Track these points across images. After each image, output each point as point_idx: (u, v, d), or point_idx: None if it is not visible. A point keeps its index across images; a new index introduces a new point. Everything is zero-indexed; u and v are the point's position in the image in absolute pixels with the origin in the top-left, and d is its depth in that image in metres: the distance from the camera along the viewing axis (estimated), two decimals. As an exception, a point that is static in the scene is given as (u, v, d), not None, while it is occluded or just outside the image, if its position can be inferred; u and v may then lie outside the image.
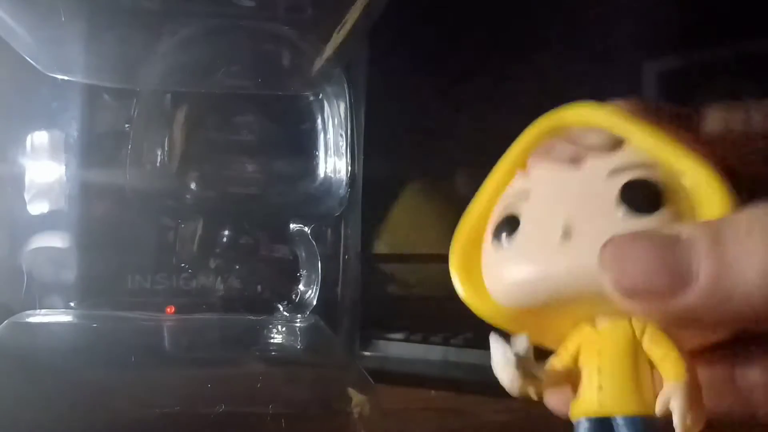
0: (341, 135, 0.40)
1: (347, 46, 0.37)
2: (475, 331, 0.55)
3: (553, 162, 0.20)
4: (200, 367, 0.38)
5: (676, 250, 0.17)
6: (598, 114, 0.21)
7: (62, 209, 0.39)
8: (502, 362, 0.19)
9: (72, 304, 0.38)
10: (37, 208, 0.39)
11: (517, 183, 0.21)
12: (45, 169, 0.39)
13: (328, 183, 0.40)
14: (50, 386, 0.33)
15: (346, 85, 0.40)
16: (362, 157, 0.41)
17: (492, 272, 0.20)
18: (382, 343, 0.55)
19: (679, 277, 0.17)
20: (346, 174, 0.40)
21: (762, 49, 0.47)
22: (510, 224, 0.20)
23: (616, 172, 0.19)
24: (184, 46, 0.36)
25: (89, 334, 0.37)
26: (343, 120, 0.40)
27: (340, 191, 0.40)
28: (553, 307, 0.19)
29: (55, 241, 0.39)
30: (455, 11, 0.46)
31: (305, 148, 0.40)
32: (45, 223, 0.39)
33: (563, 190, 0.19)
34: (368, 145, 0.41)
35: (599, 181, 0.19)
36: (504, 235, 0.20)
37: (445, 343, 0.54)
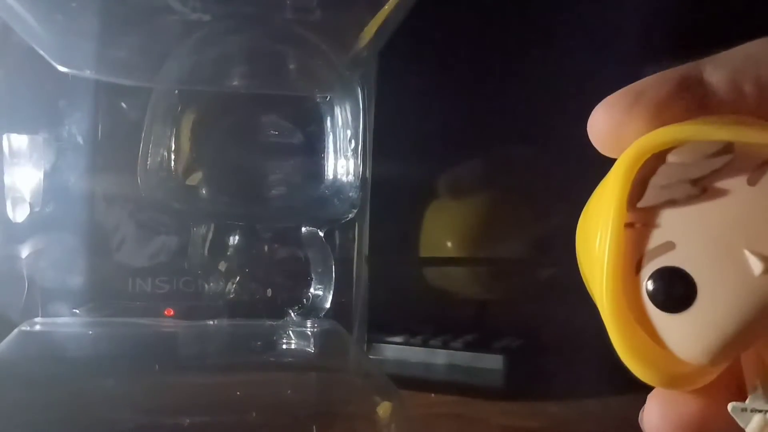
0: (350, 137, 0.40)
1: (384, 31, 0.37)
2: (474, 335, 0.55)
3: (680, 197, 0.18)
4: (211, 374, 0.37)
5: None
6: (682, 130, 0.18)
7: (67, 212, 0.38)
8: None
9: (77, 310, 0.37)
10: (38, 210, 0.38)
11: (639, 236, 0.18)
12: (48, 170, 0.38)
13: (338, 185, 0.40)
14: (65, 394, 0.32)
15: (355, 86, 0.40)
16: (371, 159, 0.41)
17: (686, 339, 0.18)
18: (382, 346, 0.54)
19: None
20: (356, 176, 0.40)
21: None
22: (679, 286, 0.17)
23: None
24: (198, 45, 0.35)
25: (100, 341, 0.36)
26: (351, 122, 0.40)
27: (351, 194, 0.40)
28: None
29: (58, 245, 0.38)
30: (463, 11, 0.46)
31: (314, 149, 0.40)
32: (47, 226, 0.38)
33: (721, 222, 0.17)
34: (376, 148, 0.41)
35: (756, 192, 0.17)
36: (683, 302, 0.17)
37: (446, 346, 0.54)
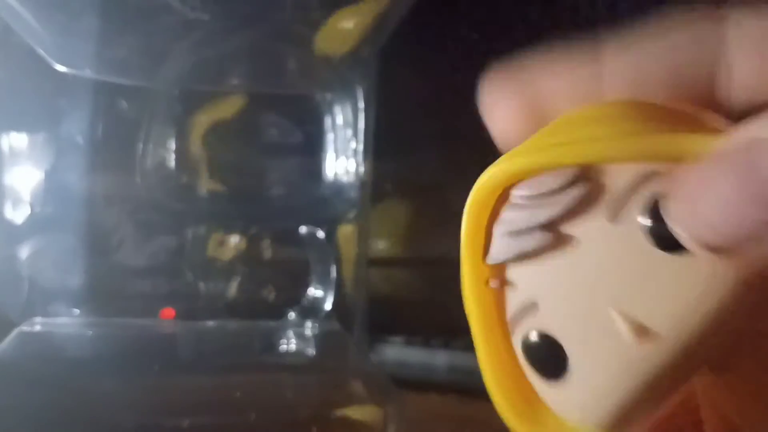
0: (350, 137, 0.40)
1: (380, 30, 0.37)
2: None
3: (530, 248, 0.14)
4: (211, 375, 0.37)
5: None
6: (522, 160, 0.14)
7: (66, 212, 0.38)
8: None
9: (77, 310, 0.37)
10: (38, 211, 0.38)
11: (502, 295, 0.15)
12: (48, 170, 0.38)
13: (338, 185, 0.40)
14: (65, 394, 0.32)
15: (355, 86, 0.40)
16: (372, 159, 0.41)
17: (569, 407, 0.15)
18: (382, 346, 0.54)
19: None
20: (356, 176, 0.40)
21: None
22: (549, 354, 0.15)
23: (620, 205, 0.14)
24: (198, 45, 0.35)
25: (100, 341, 0.36)
26: (351, 122, 0.40)
27: (351, 193, 0.40)
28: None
29: (58, 245, 0.38)
30: (464, 10, 0.45)
31: (314, 149, 0.40)
32: (47, 226, 0.38)
33: (582, 276, 0.14)
34: (377, 147, 0.41)
35: (616, 232, 0.14)
36: (556, 371, 0.15)
37: (446, 346, 0.53)
